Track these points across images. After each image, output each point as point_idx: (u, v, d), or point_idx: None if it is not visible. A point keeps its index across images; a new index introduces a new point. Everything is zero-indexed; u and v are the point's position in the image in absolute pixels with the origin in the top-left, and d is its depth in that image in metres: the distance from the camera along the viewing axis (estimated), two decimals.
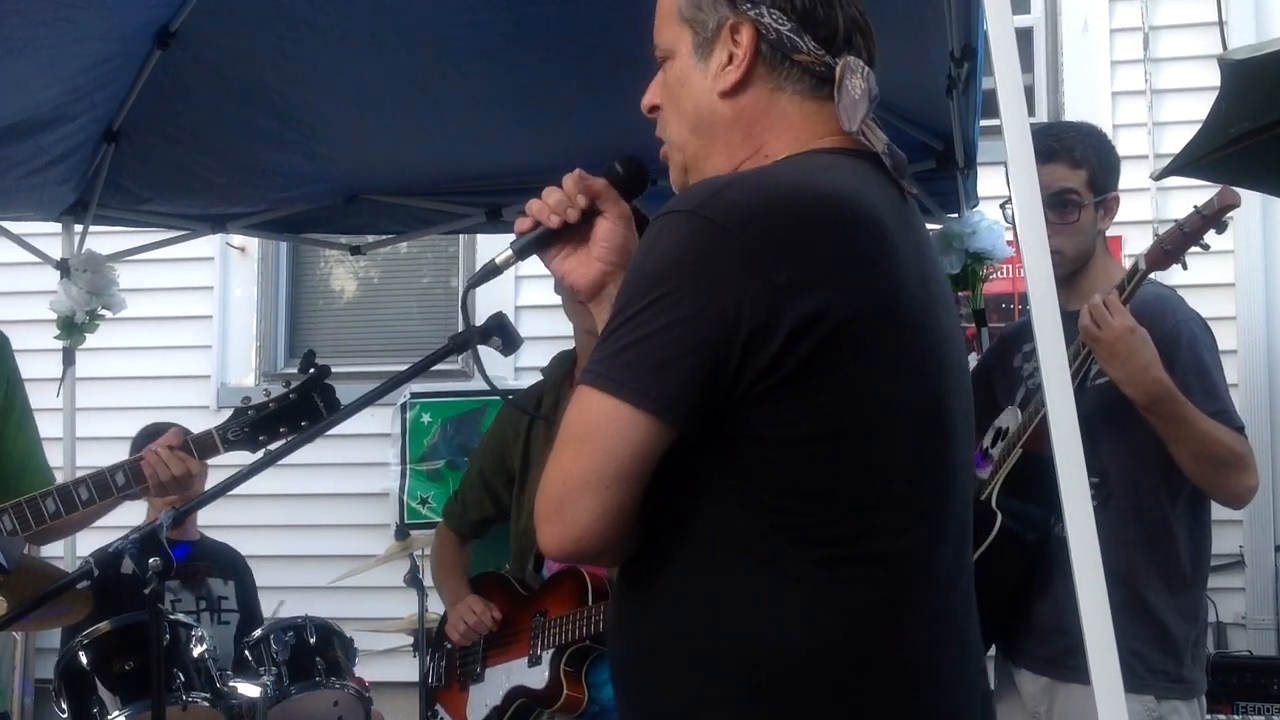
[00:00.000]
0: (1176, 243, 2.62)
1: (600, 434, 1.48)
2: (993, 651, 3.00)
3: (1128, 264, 2.87)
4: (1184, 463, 2.71)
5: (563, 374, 3.20)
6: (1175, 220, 2.85)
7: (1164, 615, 2.75)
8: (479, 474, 3.36)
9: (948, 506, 1.61)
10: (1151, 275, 2.72)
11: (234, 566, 4.64)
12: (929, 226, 4.51)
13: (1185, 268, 2.69)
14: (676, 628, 1.55)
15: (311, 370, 2.82)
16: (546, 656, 3.03)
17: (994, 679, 3.00)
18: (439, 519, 6.51)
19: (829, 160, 1.62)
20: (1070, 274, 2.86)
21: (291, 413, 2.83)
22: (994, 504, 2.81)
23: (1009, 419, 2.90)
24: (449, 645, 3.37)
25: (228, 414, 2.94)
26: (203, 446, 2.87)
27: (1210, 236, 2.63)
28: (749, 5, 1.63)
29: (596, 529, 1.49)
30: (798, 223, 1.49)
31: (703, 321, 1.46)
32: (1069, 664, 2.69)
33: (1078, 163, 2.89)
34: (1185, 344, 2.74)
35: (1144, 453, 2.75)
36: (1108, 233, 3.01)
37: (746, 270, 1.46)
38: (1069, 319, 2.76)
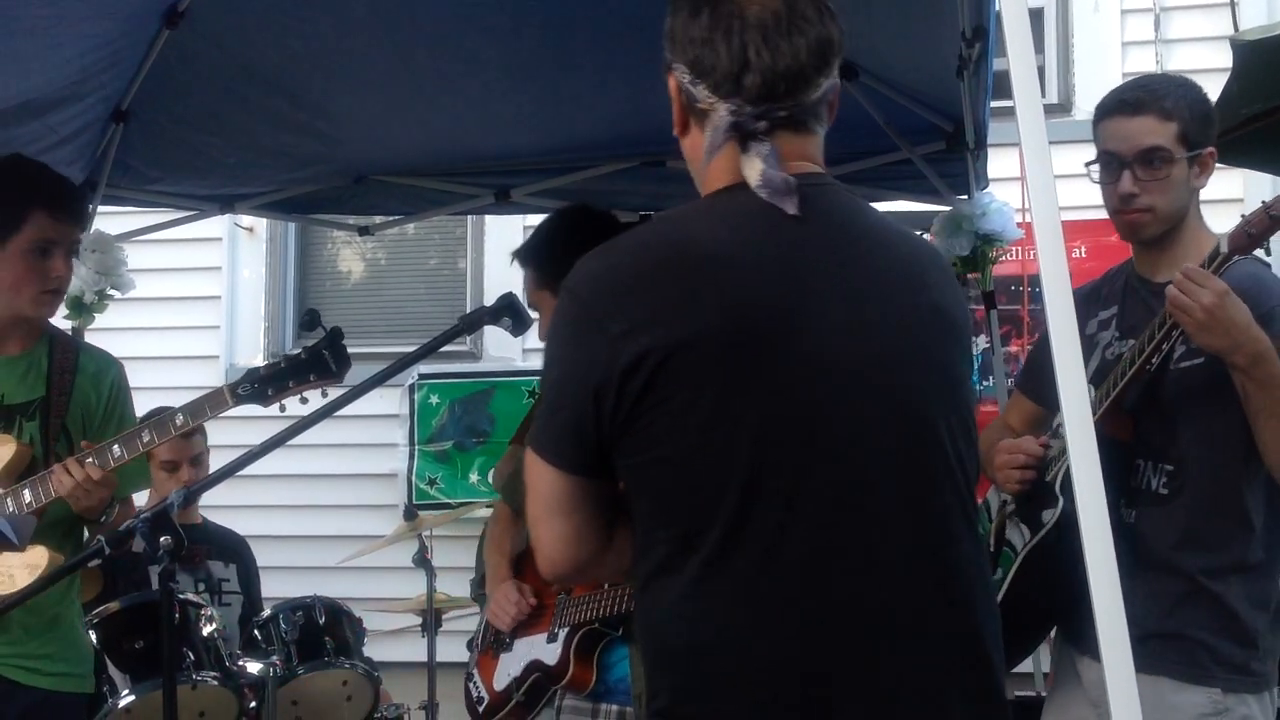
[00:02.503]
0: (1262, 226, 2.42)
1: (532, 478, 1.78)
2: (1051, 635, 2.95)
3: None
4: (1269, 443, 2.52)
5: None
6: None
7: (1235, 604, 2.59)
8: None
9: (841, 508, 1.67)
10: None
11: (236, 549, 4.64)
12: (939, 208, 4.52)
13: (1269, 253, 2.55)
14: (637, 626, 1.84)
15: (319, 329, 2.82)
16: (562, 634, 3.10)
17: (1053, 664, 2.95)
18: (447, 499, 6.57)
19: (706, 204, 1.78)
20: (1161, 237, 2.71)
21: (301, 368, 2.85)
22: (1058, 488, 2.70)
23: None
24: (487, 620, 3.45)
25: None
26: (214, 401, 2.91)
27: (1223, 218, 2.54)
28: (670, 59, 1.79)
29: (557, 550, 1.78)
30: (627, 278, 1.70)
31: (569, 380, 1.71)
32: (1135, 653, 2.62)
33: (1168, 114, 2.66)
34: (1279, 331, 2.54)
35: (1225, 441, 2.58)
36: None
37: (592, 330, 1.68)
38: (1157, 291, 2.61)
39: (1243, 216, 2.44)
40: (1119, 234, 2.78)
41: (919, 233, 2.94)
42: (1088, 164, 2.74)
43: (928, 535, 1.72)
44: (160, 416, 2.97)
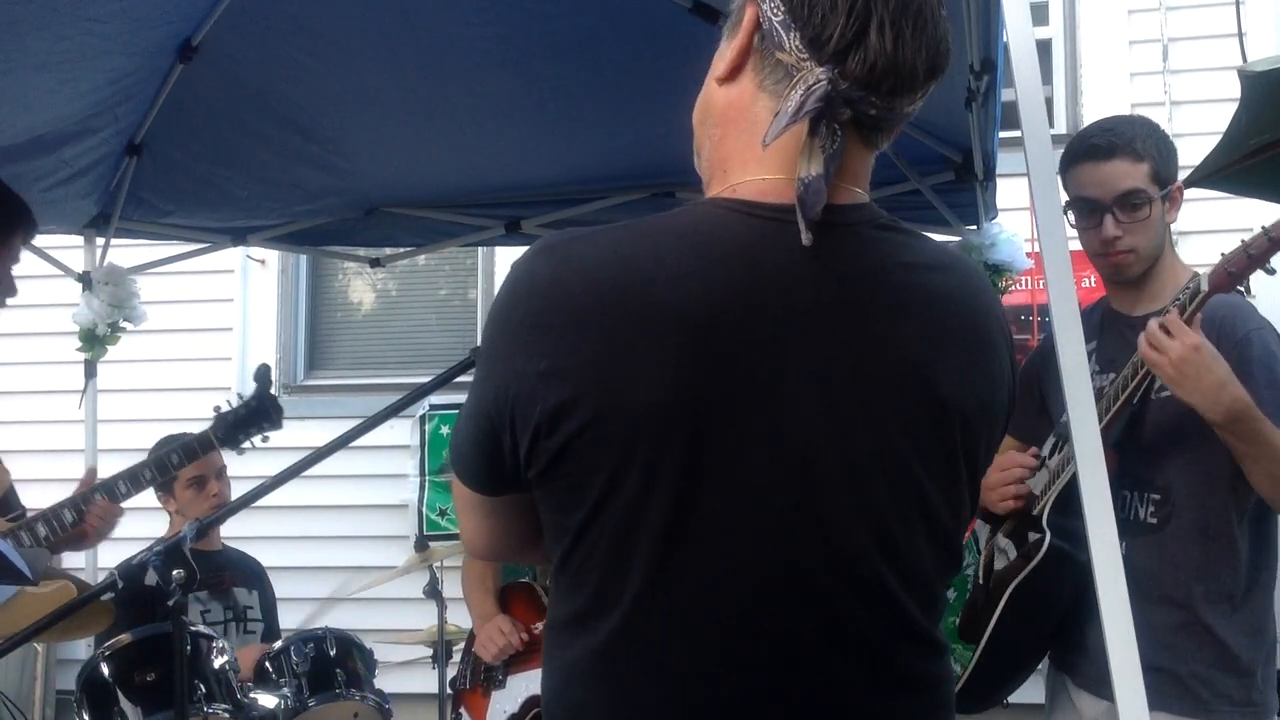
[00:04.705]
0: (1241, 266, 2.41)
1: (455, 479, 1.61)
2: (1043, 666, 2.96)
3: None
4: (1259, 483, 2.53)
5: None
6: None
7: (1226, 635, 2.59)
8: None
9: (750, 621, 1.43)
10: None
11: (256, 576, 4.66)
12: (948, 239, 4.53)
13: (1250, 293, 2.53)
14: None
15: (261, 382, 3.63)
16: None
17: (1047, 694, 2.95)
18: (458, 530, 6.52)
19: (694, 222, 1.46)
20: (1142, 274, 2.75)
21: (253, 418, 3.54)
22: (1045, 522, 2.71)
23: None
24: (475, 651, 3.43)
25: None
26: (203, 443, 3.52)
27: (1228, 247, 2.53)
28: None
29: (477, 541, 1.64)
30: (573, 312, 1.39)
31: (489, 392, 1.44)
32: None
33: (1140, 156, 2.68)
34: (1257, 355, 2.56)
35: (1212, 467, 2.57)
36: None
37: (521, 349, 1.40)
38: (1135, 324, 2.63)
39: (1222, 255, 2.45)
40: (1102, 276, 2.81)
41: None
42: (1064, 210, 2.71)
43: (859, 687, 1.45)
44: (159, 455, 3.23)
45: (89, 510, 3.11)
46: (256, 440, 3.52)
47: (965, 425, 1.49)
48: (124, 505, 3.37)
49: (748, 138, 1.46)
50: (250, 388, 3.76)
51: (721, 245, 1.42)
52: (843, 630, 1.44)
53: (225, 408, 3.55)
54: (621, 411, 1.37)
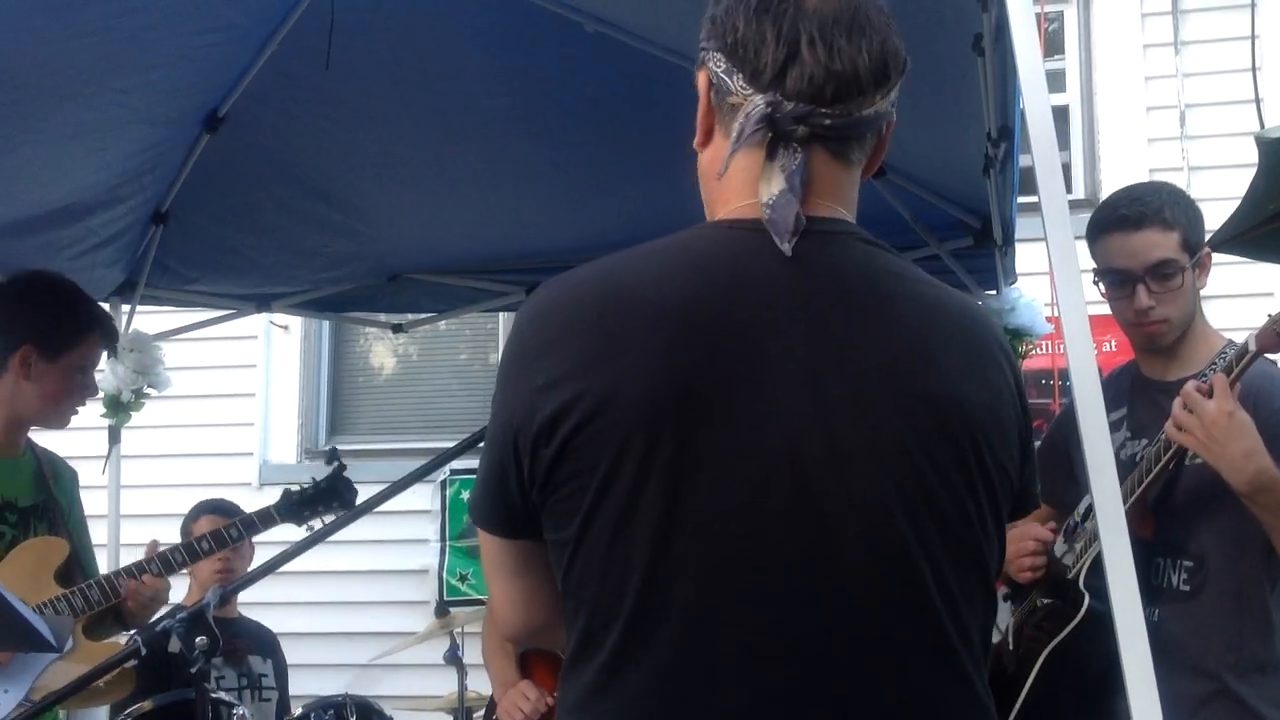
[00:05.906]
0: None
1: (479, 533, 1.60)
2: None
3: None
4: None
5: None
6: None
7: (1258, 706, 2.55)
8: None
9: (755, 636, 1.41)
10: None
11: (270, 644, 4.66)
12: None
13: None
14: None
15: (335, 463, 3.61)
16: None
17: None
18: (479, 596, 6.54)
19: (680, 240, 1.53)
20: (1175, 341, 2.72)
21: (323, 496, 3.55)
22: (1082, 585, 2.68)
23: None
24: (497, 718, 3.43)
25: (270, 489, 3.39)
26: (263, 517, 3.51)
27: (1252, 312, 2.52)
28: (705, 51, 1.54)
29: (507, 611, 1.61)
30: (565, 322, 1.47)
31: (496, 428, 1.50)
32: None
33: (1169, 225, 2.65)
34: None
35: (1246, 535, 2.53)
36: None
37: (521, 373, 1.47)
38: (1169, 389, 2.61)
39: (1269, 316, 2.43)
40: (1135, 345, 2.78)
41: None
42: (1094, 280, 2.70)
43: (867, 682, 1.41)
44: (217, 529, 3.44)
45: (120, 586, 3.17)
46: (328, 518, 3.57)
47: (972, 427, 1.47)
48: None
49: (724, 182, 1.54)
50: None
51: (707, 253, 1.51)
52: (858, 631, 1.41)
53: (296, 488, 3.63)
54: (614, 404, 1.40)
